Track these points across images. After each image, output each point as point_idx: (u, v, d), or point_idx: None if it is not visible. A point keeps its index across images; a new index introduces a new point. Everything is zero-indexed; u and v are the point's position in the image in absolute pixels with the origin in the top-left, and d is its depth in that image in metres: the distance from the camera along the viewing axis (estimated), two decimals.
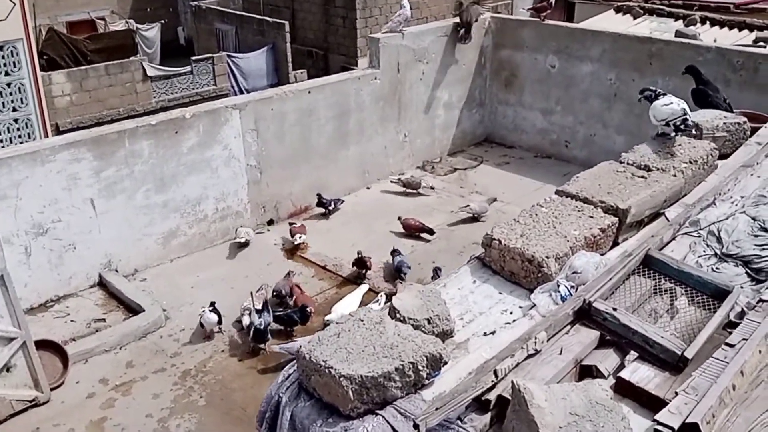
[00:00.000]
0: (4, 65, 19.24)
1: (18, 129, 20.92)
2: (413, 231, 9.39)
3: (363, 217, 9.90)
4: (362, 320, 3.18)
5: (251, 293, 7.46)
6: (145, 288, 8.23)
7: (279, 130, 9.41)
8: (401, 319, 3.23)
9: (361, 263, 8.36)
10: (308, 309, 7.22)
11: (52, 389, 6.59)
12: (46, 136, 21.21)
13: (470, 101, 11.87)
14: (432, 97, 11.27)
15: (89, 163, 7.83)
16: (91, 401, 6.58)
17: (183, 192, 8.69)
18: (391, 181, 10.75)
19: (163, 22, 29.47)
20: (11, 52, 19.18)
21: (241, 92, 28.39)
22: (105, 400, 6.57)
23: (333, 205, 9.81)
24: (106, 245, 8.21)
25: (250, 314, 7.19)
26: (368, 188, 10.70)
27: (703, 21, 16.92)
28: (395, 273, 8.16)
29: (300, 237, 9.13)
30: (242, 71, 28.28)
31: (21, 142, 21.02)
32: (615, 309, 3.28)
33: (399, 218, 9.45)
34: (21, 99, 20.63)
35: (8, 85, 20.17)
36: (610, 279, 3.48)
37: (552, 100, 11.38)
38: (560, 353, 3.12)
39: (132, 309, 7.83)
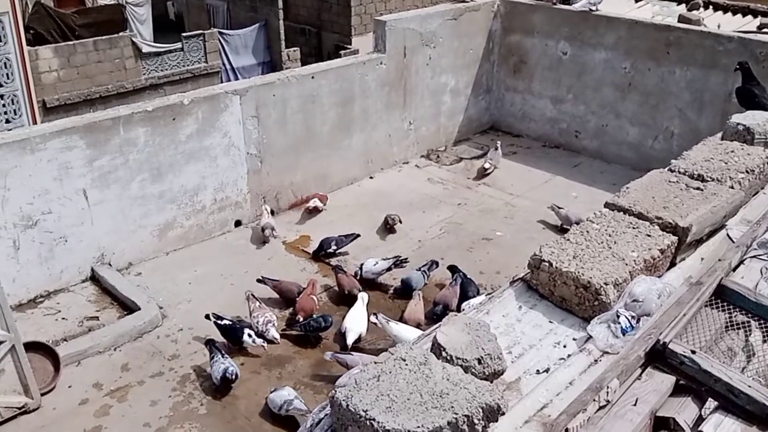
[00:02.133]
0: None
1: (4, 105, 20.32)
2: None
3: (366, 208, 9.49)
4: (404, 360, 2.80)
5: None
6: (140, 283, 7.81)
7: (281, 117, 8.97)
8: (448, 358, 2.85)
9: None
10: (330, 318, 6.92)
11: (42, 394, 6.17)
12: (33, 112, 20.67)
13: (477, 88, 11.45)
14: (438, 83, 10.84)
15: (82, 151, 7.37)
16: (84, 408, 6.17)
17: (180, 182, 8.25)
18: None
19: None
20: None
21: (233, 70, 27.79)
22: (99, 407, 6.16)
23: (336, 247, 8.32)
24: (99, 238, 7.78)
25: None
26: (371, 178, 10.29)
27: (706, 5, 16.54)
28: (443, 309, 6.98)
29: (314, 201, 8.96)
30: (234, 48, 27.68)
31: (7, 119, 20.46)
32: (694, 352, 2.93)
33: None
34: (7, 74, 20.02)
35: None
36: (683, 314, 3.13)
37: (563, 88, 10.98)
38: (635, 404, 2.77)
39: (126, 306, 7.41)
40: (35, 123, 18.96)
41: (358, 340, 6.78)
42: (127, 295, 7.44)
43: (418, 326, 6.83)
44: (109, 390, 6.37)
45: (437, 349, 2.91)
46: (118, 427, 5.97)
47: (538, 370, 3.10)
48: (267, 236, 8.48)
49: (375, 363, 2.82)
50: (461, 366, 2.83)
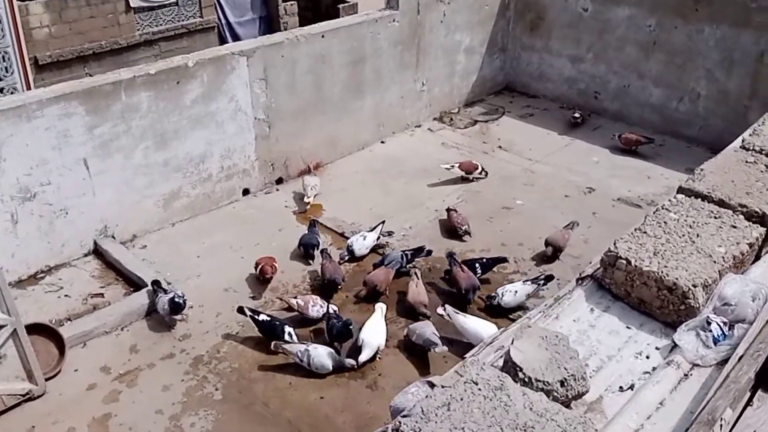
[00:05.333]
0: None
1: None
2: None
3: (379, 174, 9.08)
4: (476, 383, 2.42)
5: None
6: (145, 257, 7.42)
7: (290, 79, 8.48)
8: (526, 380, 2.48)
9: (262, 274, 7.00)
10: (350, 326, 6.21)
11: (47, 379, 5.83)
12: (25, 69, 19.95)
13: (492, 46, 10.93)
14: (452, 41, 10.32)
15: (81, 118, 6.91)
16: (92, 393, 5.82)
17: (185, 149, 7.81)
18: (574, 118, 10.20)
19: None
20: None
21: (229, 25, 26.89)
22: (108, 393, 5.82)
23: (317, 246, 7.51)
24: (102, 209, 7.37)
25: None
26: (383, 142, 9.84)
27: None
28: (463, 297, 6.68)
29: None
30: (229, 2, 26.78)
31: None
32: None
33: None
34: None
35: None
36: None
37: (582, 46, 10.47)
38: None
39: (132, 282, 7.04)
40: (27, 81, 18.30)
41: (374, 356, 6.14)
42: (133, 270, 7.06)
43: (425, 306, 6.56)
44: (118, 374, 6.03)
45: (512, 368, 2.53)
46: (128, 414, 5.63)
47: (621, 387, 2.74)
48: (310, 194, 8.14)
49: (443, 387, 2.44)
50: (543, 390, 2.45)
